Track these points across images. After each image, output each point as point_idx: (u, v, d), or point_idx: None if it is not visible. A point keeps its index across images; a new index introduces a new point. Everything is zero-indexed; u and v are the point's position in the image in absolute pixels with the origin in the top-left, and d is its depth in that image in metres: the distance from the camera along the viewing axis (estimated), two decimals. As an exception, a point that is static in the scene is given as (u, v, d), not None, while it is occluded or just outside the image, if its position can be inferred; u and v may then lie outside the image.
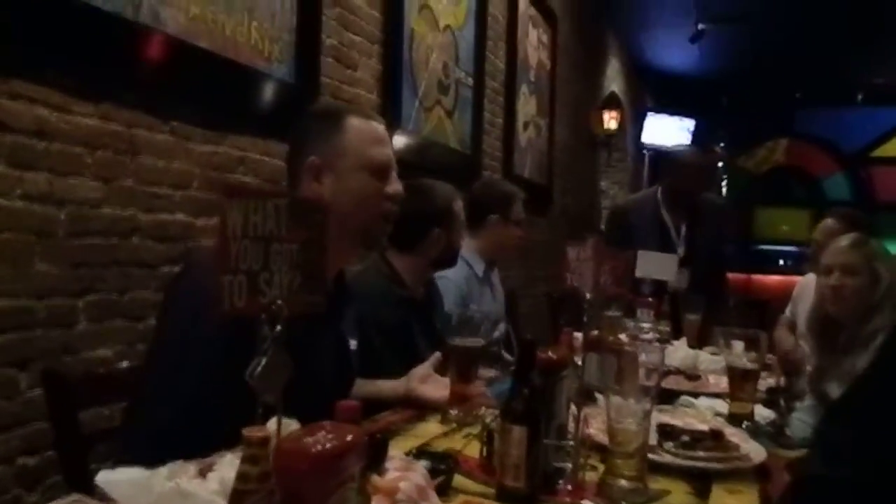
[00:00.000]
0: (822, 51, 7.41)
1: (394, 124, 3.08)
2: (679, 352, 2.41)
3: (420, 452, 1.18)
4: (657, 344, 2.13)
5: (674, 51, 7.90)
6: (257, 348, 0.65)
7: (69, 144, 1.71)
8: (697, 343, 2.71)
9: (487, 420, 1.27)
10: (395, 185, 1.38)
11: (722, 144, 9.88)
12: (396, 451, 1.12)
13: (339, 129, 1.33)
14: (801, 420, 2.09)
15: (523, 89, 4.73)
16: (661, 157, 8.74)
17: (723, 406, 1.80)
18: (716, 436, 1.34)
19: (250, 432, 0.58)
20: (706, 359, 2.39)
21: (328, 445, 0.62)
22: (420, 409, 1.59)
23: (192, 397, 1.13)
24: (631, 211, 3.51)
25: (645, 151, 8.82)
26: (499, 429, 1.13)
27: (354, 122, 1.35)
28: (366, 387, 1.63)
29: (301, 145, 1.36)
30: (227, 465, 0.85)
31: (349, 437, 0.65)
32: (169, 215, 2.00)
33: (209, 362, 1.14)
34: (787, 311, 3.24)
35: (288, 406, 1.15)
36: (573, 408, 1.27)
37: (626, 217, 3.47)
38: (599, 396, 1.50)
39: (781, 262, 8.95)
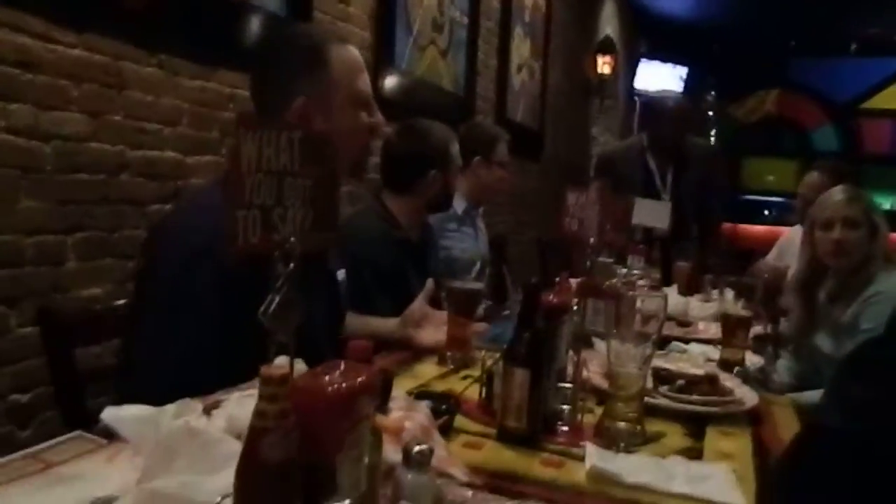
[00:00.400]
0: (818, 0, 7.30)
1: (386, 63, 3.01)
2: (670, 299, 2.42)
3: (421, 394, 1.18)
4: (660, 291, 2.12)
5: (670, -6, 7.74)
6: (269, 286, 0.63)
7: (54, 76, 1.65)
8: (687, 290, 2.73)
9: (488, 362, 1.27)
10: (378, 116, 1.34)
11: (713, 93, 9.82)
12: (397, 391, 1.12)
13: (324, 63, 1.25)
14: (787, 366, 2.13)
15: (518, 30, 4.63)
16: (647, 103, 8.67)
17: (713, 352, 1.83)
18: (711, 380, 1.36)
19: (269, 370, 0.57)
20: (696, 306, 2.42)
21: (344, 385, 0.61)
22: (416, 350, 1.59)
23: (191, 340, 1.11)
24: (618, 158, 3.51)
25: (636, 98, 8.72)
26: (501, 371, 1.13)
27: (338, 53, 1.27)
28: (359, 323, 1.62)
29: (282, 85, 1.25)
30: (234, 403, 0.85)
31: (364, 377, 0.64)
32: (158, 152, 1.95)
33: (208, 303, 1.13)
34: (769, 258, 3.24)
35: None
36: (571, 352, 1.28)
37: (613, 164, 3.47)
38: (597, 341, 1.52)
39: (767, 212, 8.99)
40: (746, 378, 1.62)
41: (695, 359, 1.71)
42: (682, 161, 3.25)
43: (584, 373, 1.29)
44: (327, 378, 0.62)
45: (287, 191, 0.63)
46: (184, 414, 0.81)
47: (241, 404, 0.83)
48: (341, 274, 1.50)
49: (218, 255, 1.06)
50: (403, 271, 1.88)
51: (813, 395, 1.88)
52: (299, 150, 0.64)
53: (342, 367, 0.65)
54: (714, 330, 2.06)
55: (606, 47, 6.57)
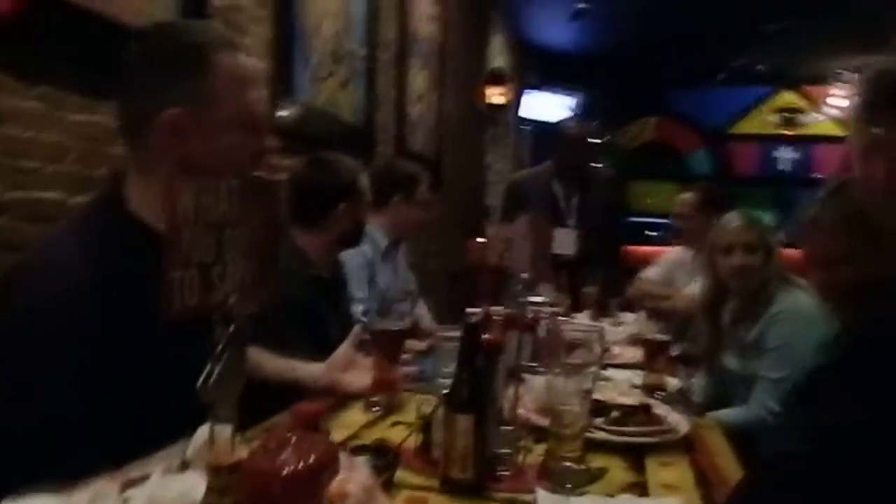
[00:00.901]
0: (689, 33, 7.80)
1: (286, 94, 2.91)
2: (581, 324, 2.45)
3: (357, 448, 1.10)
4: (571, 318, 2.14)
5: (554, 28, 8.05)
6: (195, 353, 0.55)
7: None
8: (597, 315, 2.78)
9: (423, 407, 1.21)
10: (269, 143, 1.14)
11: (595, 122, 10.26)
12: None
13: (207, 67, 1.03)
14: (699, 386, 2.19)
15: (414, 62, 4.64)
16: (551, 130, 8.94)
17: (635, 377, 1.84)
18: (645, 409, 1.36)
19: (218, 458, 0.48)
20: (609, 330, 2.45)
21: (302, 464, 0.54)
22: (341, 397, 1.51)
23: (51, 415, 0.92)
24: (524, 183, 3.56)
25: (525, 126, 8.97)
26: (441, 418, 1.07)
27: (225, 60, 1.05)
28: (281, 366, 1.52)
29: (150, 92, 1.03)
30: (156, 485, 0.74)
31: (322, 451, 0.56)
32: (40, 192, 1.77)
33: (81, 378, 0.93)
34: (650, 274, 3.30)
35: (176, 395, 1.02)
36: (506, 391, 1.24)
37: (520, 189, 3.52)
38: (527, 376, 1.49)
39: (651, 232, 9.43)
40: (668, 402, 1.64)
41: (620, 386, 1.71)
42: (585, 186, 3.34)
43: (521, 411, 1.25)
44: (282, 457, 0.55)
45: (227, 244, 0.55)
46: (99, 501, 0.70)
47: (164, 486, 0.72)
48: None
49: (75, 320, 0.94)
50: (318, 310, 1.79)
51: (731, 413, 1.94)
52: (239, 197, 0.57)
53: (293, 440, 0.57)
54: (631, 354, 2.08)
55: (498, 78, 6.71)
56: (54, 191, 1.81)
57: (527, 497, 1.04)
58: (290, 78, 2.95)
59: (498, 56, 7.31)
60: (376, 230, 2.32)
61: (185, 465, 0.82)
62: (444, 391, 1.21)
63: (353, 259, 2.11)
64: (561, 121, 3.60)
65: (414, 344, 2.28)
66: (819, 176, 9.96)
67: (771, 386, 1.96)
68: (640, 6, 7.05)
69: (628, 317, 2.88)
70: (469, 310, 2.53)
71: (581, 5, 6.90)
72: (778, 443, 0.88)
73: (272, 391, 1.49)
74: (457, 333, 1.82)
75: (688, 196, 3.24)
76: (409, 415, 1.46)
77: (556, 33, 8.28)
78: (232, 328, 0.55)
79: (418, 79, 4.77)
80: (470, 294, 3.94)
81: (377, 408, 1.43)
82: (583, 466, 1.12)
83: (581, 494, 1.06)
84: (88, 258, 0.99)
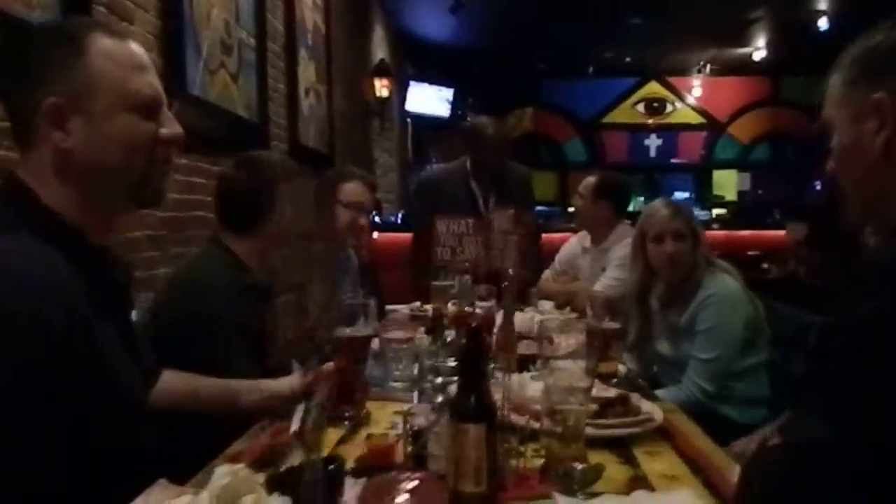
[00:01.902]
0: (562, 26, 8.07)
1: (178, 88, 2.69)
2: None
3: (357, 471, 1.00)
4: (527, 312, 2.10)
5: (433, 20, 8.06)
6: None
7: None
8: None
9: (413, 418, 1.13)
10: (172, 126, 1.07)
11: (471, 114, 10.39)
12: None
13: (83, 53, 0.99)
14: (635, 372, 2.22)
15: (302, 54, 4.46)
16: (430, 123, 8.95)
17: (578, 366, 1.83)
18: (623, 401, 1.35)
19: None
20: (540, 320, 2.45)
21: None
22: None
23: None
24: (440, 182, 3.50)
25: (408, 119, 8.94)
26: (443, 430, 1.00)
27: (103, 44, 1.00)
28: (250, 388, 1.40)
29: (29, 80, 0.99)
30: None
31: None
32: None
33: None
34: (556, 263, 3.38)
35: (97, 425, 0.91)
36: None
37: (436, 188, 3.46)
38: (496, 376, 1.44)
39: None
40: (621, 388, 1.65)
41: (575, 377, 1.70)
42: (502, 183, 3.33)
43: (512, 415, 1.20)
44: None
45: (314, 260, 0.46)
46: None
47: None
48: (134, 314, 1.23)
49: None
50: (259, 319, 1.65)
51: (664, 393, 1.99)
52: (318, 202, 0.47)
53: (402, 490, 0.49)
54: (572, 343, 2.08)
55: (383, 70, 6.62)
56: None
57: (542, 503, 0.99)
58: (182, 71, 2.73)
59: (380, 48, 7.22)
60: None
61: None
62: (439, 400, 1.15)
63: None
64: (475, 119, 3.56)
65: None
66: (682, 161, 10.67)
67: (703, 366, 2.03)
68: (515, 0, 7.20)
69: (546, 305, 2.90)
70: (389, 307, 2.44)
71: (459, -3, 6.94)
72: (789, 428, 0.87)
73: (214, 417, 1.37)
74: (401, 336, 1.76)
75: (589, 180, 3.30)
76: (379, 426, 1.38)
77: (434, 26, 8.29)
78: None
79: (307, 71, 4.60)
80: (372, 290, 3.82)
81: (347, 421, 1.33)
82: (585, 465, 1.09)
83: (593, 496, 1.02)
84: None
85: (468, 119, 9.95)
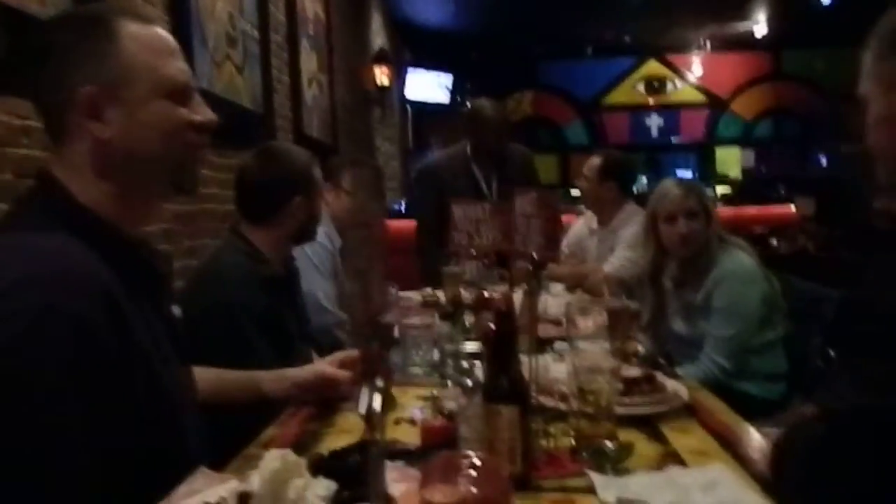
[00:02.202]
0: (559, 8, 8.01)
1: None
2: (518, 299, 2.43)
3: (394, 453, 1.02)
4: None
5: (430, 5, 8.01)
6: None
7: None
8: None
9: (441, 401, 1.14)
10: (204, 112, 1.06)
11: (470, 99, 10.35)
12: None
13: (113, 39, 0.97)
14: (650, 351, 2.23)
15: (304, 44, 4.45)
16: (431, 109, 8.93)
17: (599, 347, 1.85)
18: (649, 379, 1.36)
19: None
20: (552, 304, 2.46)
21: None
22: (319, 402, 1.40)
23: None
24: (441, 168, 3.47)
25: (408, 106, 8.91)
26: (473, 411, 1.01)
27: (133, 29, 0.98)
28: (275, 378, 1.41)
29: (60, 73, 0.96)
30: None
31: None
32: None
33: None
34: (564, 246, 3.37)
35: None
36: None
37: (437, 174, 3.43)
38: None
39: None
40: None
41: (596, 357, 1.71)
42: (504, 166, 3.31)
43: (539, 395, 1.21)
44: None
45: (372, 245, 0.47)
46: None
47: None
48: (177, 310, 1.24)
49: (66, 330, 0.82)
50: (278, 310, 1.66)
51: (683, 371, 2.00)
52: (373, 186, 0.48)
53: (465, 469, 0.50)
54: (590, 324, 2.09)
55: (383, 58, 6.60)
56: (-50, 202, 1.56)
57: (575, 482, 1.00)
58: (191, 63, 2.71)
59: (378, 36, 7.18)
60: (330, 228, 2.20)
61: (245, 497, 0.72)
62: (466, 382, 1.15)
63: (318, 248, 1.99)
64: (475, 103, 3.52)
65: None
66: (684, 140, 10.62)
67: (720, 343, 2.04)
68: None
69: (556, 287, 2.91)
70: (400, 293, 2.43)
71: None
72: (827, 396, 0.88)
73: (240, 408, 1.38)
74: (420, 322, 1.77)
75: (594, 160, 3.29)
76: (404, 411, 1.39)
77: (431, 11, 8.24)
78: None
79: (309, 62, 4.58)
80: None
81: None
82: (616, 443, 1.10)
83: (626, 472, 1.04)
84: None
85: (468, 104, 9.98)
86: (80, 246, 0.89)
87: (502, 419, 0.98)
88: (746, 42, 9.52)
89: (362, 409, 0.51)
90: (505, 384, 0.99)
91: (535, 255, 1.22)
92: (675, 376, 1.62)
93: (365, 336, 0.45)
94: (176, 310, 1.17)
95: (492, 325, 1.03)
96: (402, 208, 7.02)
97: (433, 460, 0.54)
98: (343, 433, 1.24)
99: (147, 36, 1.00)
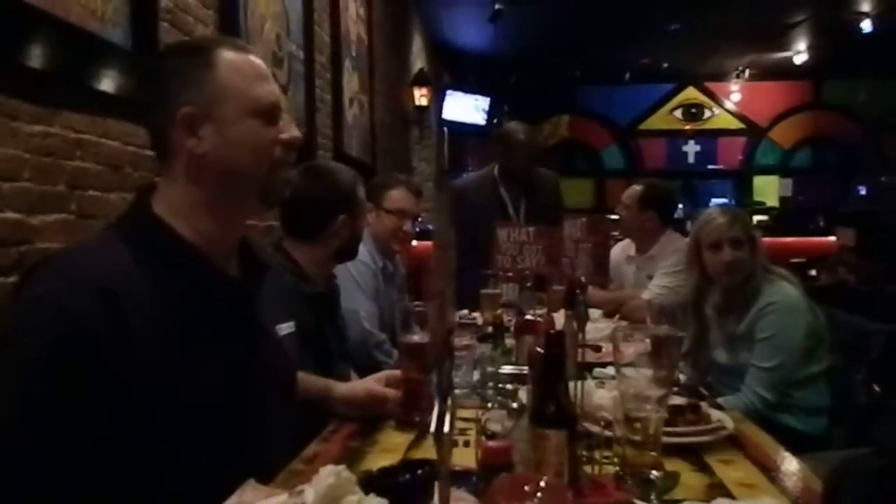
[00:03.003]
0: (598, 33, 8.05)
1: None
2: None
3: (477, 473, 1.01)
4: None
5: (471, 29, 8.09)
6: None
7: None
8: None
9: (485, 422, 1.14)
10: (291, 130, 1.15)
11: (507, 122, 10.40)
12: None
13: (211, 66, 1.08)
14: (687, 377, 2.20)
15: (347, 65, 4.53)
16: (469, 131, 8.99)
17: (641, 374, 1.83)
18: (693, 408, 1.34)
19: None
20: (591, 328, 2.44)
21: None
22: (364, 419, 1.41)
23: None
24: (470, 191, 3.51)
25: (445, 128, 8.98)
26: (529, 436, 1.01)
27: (228, 56, 1.10)
28: (315, 384, 1.43)
29: (165, 96, 1.08)
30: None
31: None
32: (-5, 213, 1.58)
33: (92, 420, 0.92)
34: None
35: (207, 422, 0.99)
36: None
37: (466, 197, 3.46)
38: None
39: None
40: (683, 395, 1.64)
41: (640, 384, 1.69)
42: (531, 190, 3.32)
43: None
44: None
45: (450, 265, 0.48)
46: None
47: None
48: (286, 327, 1.28)
49: (107, 343, 0.92)
50: (321, 328, 1.68)
51: (724, 402, 1.97)
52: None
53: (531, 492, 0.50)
54: (631, 351, 2.07)
55: (422, 80, 6.68)
56: (10, 210, 1.61)
57: (622, 511, 1.00)
58: (238, 82, 2.79)
59: (419, 58, 7.28)
60: (371, 248, 2.22)
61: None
62: (513, 405, 1.16)
63: (361, 266, 2.02)
64: (505, 125, 3.56)
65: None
66: (721, 167, 10.52)
67: (763, 375, 2.00)
68: (551, 7, 7.20)
69: (594, 313, 2.90)
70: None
71: (498, 6, 6.95)
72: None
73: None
74: (461, 343, 1.78)
75: (634, 189, 3.28)
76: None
77: (471, 35, 8.33)
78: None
79: (351, 82, 4.66)
80: (413, 297, 3.82)
81: (415, 426, 1.35)
82: (662, 473, 1.09)
83: (673, 503, 1.02)
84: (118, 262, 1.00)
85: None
86: (117, 249, 1.01)
87: (550, 443, 0.97)
88: (786, 70, 9.43)
89: (432, 429, 0.52)
90: (553, 408, 0.98)
91: (583, 279, 1.22)
92: (717, 406, 1.60)
93: (440, 356, 0.46)
94: (285, 327, 1.22)
95: (539, 349, 1.03)
96: (436, 228, 7.07)
97: (497, 482, 0.54)
98: (385, 452, 1.25)
99: (241, 62, 1.11)
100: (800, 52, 8.78)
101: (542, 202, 3.41)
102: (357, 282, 2.20)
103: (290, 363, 1.26)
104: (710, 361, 2.18)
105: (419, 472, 0.80)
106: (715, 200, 10.18)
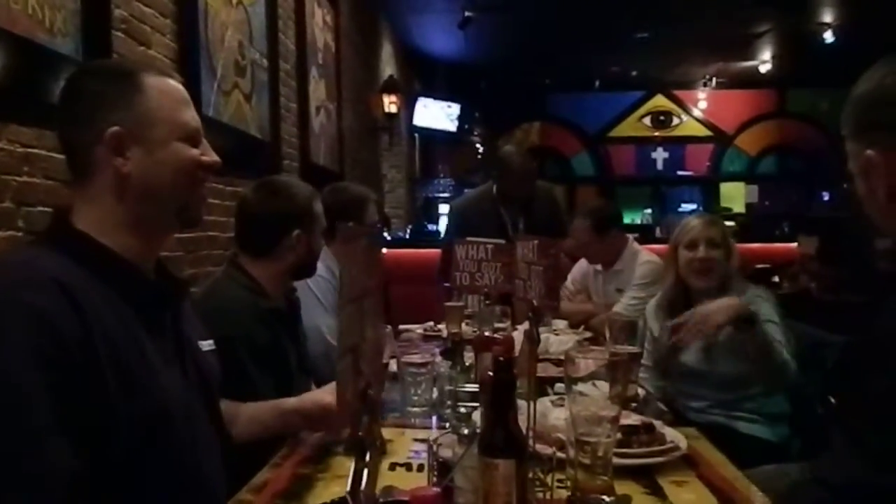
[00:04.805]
0: (568, 41, 8.11)
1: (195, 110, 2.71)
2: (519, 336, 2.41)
3: (386, 505, 1.00)
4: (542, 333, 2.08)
5: (441, 36, 8.10)
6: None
7: None
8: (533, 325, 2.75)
9: (439, 449, 1.12)
10: (211, 154, 1.19)
11: (478, 129, 10.41)
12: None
13: (140, 89, 1.11)
14: (655, 386, 2.21)
15: (313, 72, 4.49)
16: (438, 137, 8.99)
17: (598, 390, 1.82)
18: (647, 428, 1.34)
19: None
20: (555, 341, 2.44)
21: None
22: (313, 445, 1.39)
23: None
24: (469, 210, 3.53)
25: (416, 135, 8.97)
26: (475, 466, 0.99)
27: (154, 82, 1.13)
28: (269, 410, 1.41)
29: (90, 115, 1.10)
30: None
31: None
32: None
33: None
34: (569, 283, 3.36)
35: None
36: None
37: (466, 215, 3.49)
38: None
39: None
40: (642, 411, 1.64)
41: (599, 402, 1.69)
42: (530, 207, 3.35)
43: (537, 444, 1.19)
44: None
45: (367, 317, 0.46)
46: None
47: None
48: (208, 344, 1.25)
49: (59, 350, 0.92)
50: (280, 344, 1.65)
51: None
52: (371, 255, 0.47)
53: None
54: (590, 364, 2.07)
55: (392, 87, 6.66)
56: (-48, 229, 1.56)
57: (571, 538, 0.98)
58: (198, 91, 2.74)
59: (388, 65, 7.26)
60: (332, 262, 2.19)
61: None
62: (464, 432, 1.14)
63: (321, 281, 1.99)
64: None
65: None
66: (689, 173, 10.66)
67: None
68: (521, 15, 7.23)
69: (560, 324, 2.89)
70: (402, 326, 2.43)
71: (468, 13, 6.96)
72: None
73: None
74: (419, 359, 1.75)
75: (580, 223, 3.21)
76: (400, 454, 1.37)
77: (442, 42, 8.34)
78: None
79: (318, 90, 4.62)
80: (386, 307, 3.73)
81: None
82: (613, 498, 1.08)
83: (623, 529, 1.02)
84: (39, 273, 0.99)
85: (476, 134, 10.02)
86: (52, 257, 1.02)
87: (498, 473, 0.96)
88: (752, 79, 9.59)
89: (348, 487, 0.50)
90: (501, 437, 0.97)
91: (535, 302, 1.21)
92: (669, 422, 1.60)
93: (355, 411, 0.44)
94: (207, 344, 1.24)
95: (490, 373, 1.02)
96: (408, 235, 7.03)
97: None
98: (338, 478, 1.22)
99: (167, 87, 1.14)
100: (765, 62, 8.93)
101: (541, 218, 3.42)
102: (318, 298, 2.18)
103: (214, 379, 1.24)
104: (681, 367, 2.17)
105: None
106: (684, 206, 10.32)
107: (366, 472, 0.48)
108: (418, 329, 2.74)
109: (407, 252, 5.22)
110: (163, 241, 1.20)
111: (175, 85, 1.16)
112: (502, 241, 1.53)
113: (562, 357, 2.22)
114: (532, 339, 1.23)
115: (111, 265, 1.06)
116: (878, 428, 0.80)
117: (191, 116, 1.16)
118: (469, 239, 1.55)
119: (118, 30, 2.22)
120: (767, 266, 5.36)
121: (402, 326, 2.83)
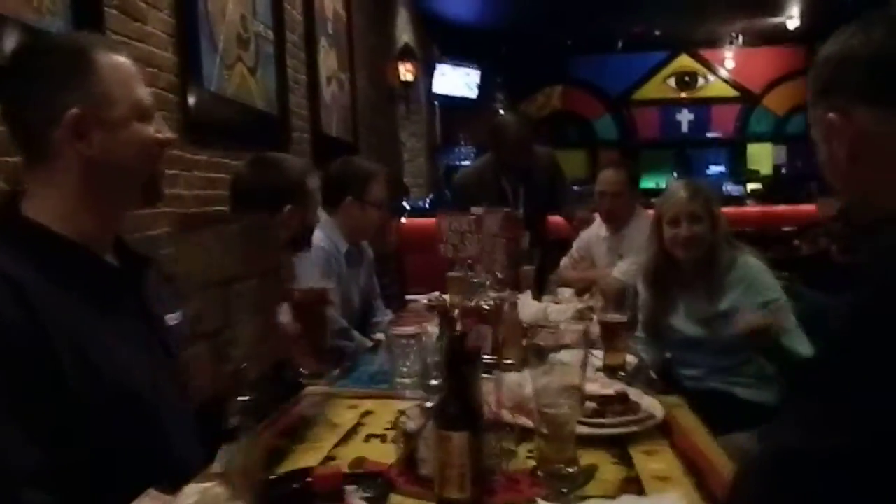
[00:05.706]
0: (589, 1, 7.92)
1: (195, 85, 2.73)
2: (528, 307, 2.41)
3: (346, 477, 1.02)
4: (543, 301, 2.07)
5: (458, 1, 7.97)
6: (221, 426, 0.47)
7: None
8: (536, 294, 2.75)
9: (405, 422, 1.14)
10: (165, 130, 1.18)
11: (499, 94, 10.29)
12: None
13: (92, 69, 1.08)
14: (646, 354, 2.20)
15: (323, 42, 4.47)
16: (460, 104, 8.91)
17: (596, 360, 1.82)
18: (622, 398, 1.34)
19: None
20: (555, 310, 2.43)
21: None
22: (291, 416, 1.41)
23: None
24: (471, 183, 3.58)
25: (436, 102, 8.90)
26: (432, 438, 1.01)
27: (107, 60, 1.10)
28: None
29: (43, 97, 1.06)
30: None
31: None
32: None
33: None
34: (574, 253, 3.35)
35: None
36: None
37: (468, 188, 3.52)
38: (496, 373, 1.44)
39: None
40: (630, 381, 1.64)
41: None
42: (529, 174, 3.34)
43: (503, 413, 1.21)
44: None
45: (234, 303, 0.47)
46: None
47: None
48: (174, 318, 1.26)
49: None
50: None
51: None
52: (244, 243, 0.48)
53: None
54: (573, 333, 2.07)
55: (407, 54, 6.60)
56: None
57: (527, 508, 1.00)
58: (198, 66, 2.76)
59: (404, 32, 7.18)
60: (333, 233, 2.21)
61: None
62: (427, 404, 1.16)
63: (319, 253, 2.02)
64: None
65: (364, 342, 2.21)
66: (715, 135, 10.43)
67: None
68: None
69: (566, 292, 2.89)
70: (409, 297, 2.44)
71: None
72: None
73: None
74: (409, 331, 1.77)
75: (613, 173, 3.16)
76: (379, 425, 1.39)
77: (460, 6, 8.20)
78: (247, 398, 0.47)
79: (328, 60, 4.60)
80: (395, 278, 3.80)
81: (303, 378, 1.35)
82: (576, 468, 1.09)
83: (581, 499, 1.03)
84: None
85: (497, 100, 9.90)
86: (10, 251, 1.01)
87: (452, 446, 0.97)
88: (779, 36, 9.29)
89: (217, 467, 0.51)
90: (456, 410, 0.98)
91: (499, 274, 1.21)
92: (660, 391, 1.59)
93: (266, 381, 0.45)
94: (173, 317, 1.21)
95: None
96: (427, 205, 7.02)
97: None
98: (312, 451, 1.25)
99: (121, 64, 1.12)
100: (792, 17, 8.64)
101: (540, 183, 3.44)
102: (317, 266, 2.20)
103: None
104: (672, 335, 2.17)
105: (293, 486, 0.80)
106: (711, 168, 10.13)
107: (239, 454, 0.49)
108: (423, 300, 2.76)
109: (426, 221, 5.22)
110: (122, 221, 1.20)
111: (126, 61, 1.14)
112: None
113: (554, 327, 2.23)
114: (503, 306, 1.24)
115: (62, 252, 1.06)
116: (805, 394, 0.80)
117: (145, 93, 1.15)
118: (452, 212, 1.55)
119: (111, 6, 2.23)
120: (794, 229, 5.26)
121: (408, 297, 2.85)
